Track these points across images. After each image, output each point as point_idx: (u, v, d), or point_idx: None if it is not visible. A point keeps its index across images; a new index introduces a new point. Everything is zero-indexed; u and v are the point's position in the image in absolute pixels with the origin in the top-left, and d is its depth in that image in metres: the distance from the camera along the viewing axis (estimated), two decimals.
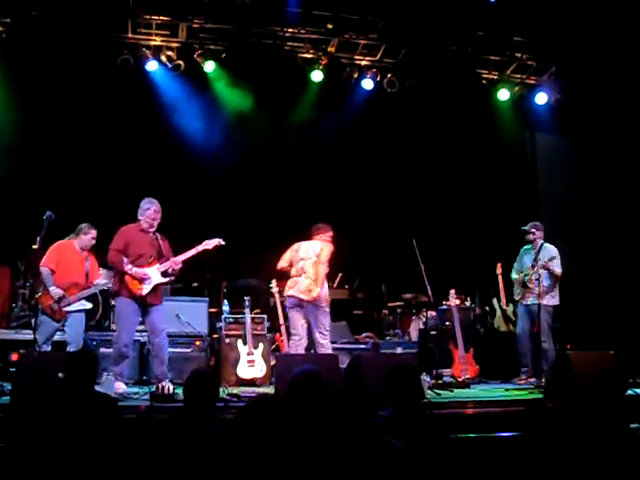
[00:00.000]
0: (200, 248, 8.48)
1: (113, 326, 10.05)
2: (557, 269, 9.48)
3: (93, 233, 8.46)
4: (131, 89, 11.42)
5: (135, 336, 8.57)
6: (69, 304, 8.18)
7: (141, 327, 8.66)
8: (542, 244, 9.66)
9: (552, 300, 9.52)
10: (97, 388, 5.59)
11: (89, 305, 8.47)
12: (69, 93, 11.21)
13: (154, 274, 8.14)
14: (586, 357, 8.07)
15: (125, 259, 8.05)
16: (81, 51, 10.58)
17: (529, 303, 9.60)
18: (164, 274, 8.21)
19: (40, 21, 10.23)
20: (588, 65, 11.64)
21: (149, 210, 8.18)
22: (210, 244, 8.53)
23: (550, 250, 9.60)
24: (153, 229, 8.22)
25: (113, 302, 9.73)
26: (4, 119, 10.87)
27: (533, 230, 9.70)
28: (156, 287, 8.16)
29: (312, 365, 5.40)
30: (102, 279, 8.78)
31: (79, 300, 8.29)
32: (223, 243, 8.61)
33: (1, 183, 10.83)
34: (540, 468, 4.43)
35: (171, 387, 7.36)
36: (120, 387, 7.80)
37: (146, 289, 8.07)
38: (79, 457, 4.37)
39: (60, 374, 5.01)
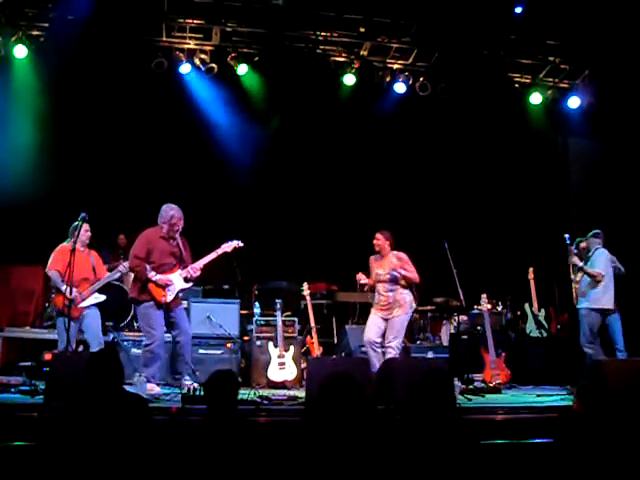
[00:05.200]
0: (219, 251, 8.50)
1: None
2: (589, 269, 9.24)
3: (86, 227, 8.44)
4: (165, 92, 11.50)
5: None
6: (83, 299, 8.26)
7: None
8: (596, 249, 9.40)
9: (586, 303, 9.24)
10: (129, 389, 5.62)
11: (102, 297, 8.49)
12: (104, 95, 11.33)
13: (177, 280, 8.19)
14: (620, 364, 7.99)
15: (147, 266, 8.06)
16: (116, 54, 10.67)
17: (578, 307, 9.40)
18: (186, 280, 8.26)
19: (76, 25, 10.33)
20: (622, 69, 11.52)
21: (173, 218, 8.15)
22: (229, 247, 8.54)
23: (597, 253, 9.37)
24: (175, 235, 8.22)
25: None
26: (40, 121, 10.98)
27: (588, 239, 9.54)
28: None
29: (344, 368, 5.41)
30: (109, 272, 8.83)
31: (92, 294, 8.37)
32: (242, 245, 8.61)
33: (36, 184, 10.95)
34: (572, 476, 4.40)
35: (195, 385, 7.46)
36: (153, 388, 7.81)
37: (170, 296, 8.12)
38: (110, 457, 4.40)
39: None
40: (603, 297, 9.21)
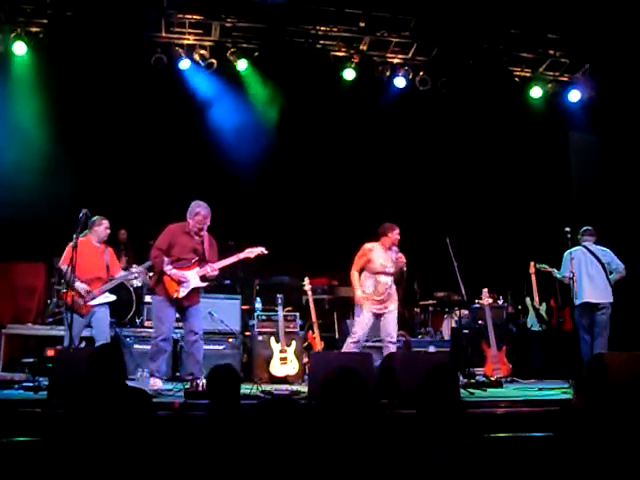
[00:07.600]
0: (241, 256, 8.40)
1: (147, 323, 10.16)
2: (557, 275, 9.80)
3: (105, 223, 8.47)
4: (164, 88, 11.49)
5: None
6: (94, 298, 8.23)
7: (175, 324, 8.62)
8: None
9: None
10: (132, 384, 5.63)
11: (113, 297, 8.45)
12: (103, 92, 11.32)
13: (193, 278, 8.09)
14: (621, 358, 8.00)
15: (166, 259, 8.02)
16: (115, 50, 10.66)
17: None
18: (203, 278, 8.18)
19: (75, 21, 10.33)
20: (622, 63, 11.50)
21: (198, 215, 8.06)
22: (252, 252, 8.43)
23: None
24: (201, 232, 8.15)
25: (149, 298, 9.87)
26: (41, 118, 10.98)
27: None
28: (193, 290, 8.15)
29: (347, 363, 5.43)
30: (124, 272, 8.79)
31: (103, 293, 8.32)
32: (266, 252, 8.50)
33: (38, 181, 10.96)
34: (572, 469, 4.42)
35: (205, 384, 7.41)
36: (156, 384, 7.82)
37: (183, 292, 8.04)
38: (113, 452, 4.41)
39: None
40: (580, 294, 9.45)
